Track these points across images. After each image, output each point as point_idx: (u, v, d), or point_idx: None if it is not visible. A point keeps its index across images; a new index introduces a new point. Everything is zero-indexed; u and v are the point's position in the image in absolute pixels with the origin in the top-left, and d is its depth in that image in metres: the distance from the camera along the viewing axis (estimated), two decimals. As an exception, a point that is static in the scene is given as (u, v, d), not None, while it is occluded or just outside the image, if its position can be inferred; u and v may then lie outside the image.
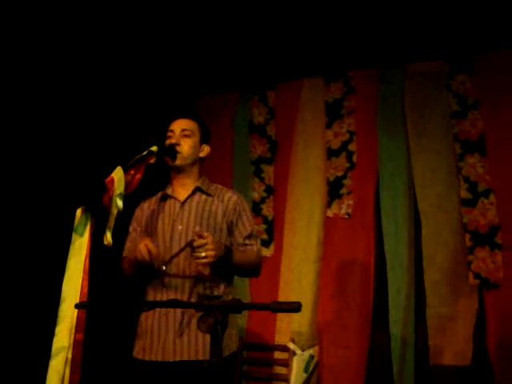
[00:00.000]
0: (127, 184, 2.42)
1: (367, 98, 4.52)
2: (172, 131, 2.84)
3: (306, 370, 4.17)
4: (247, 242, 2.79)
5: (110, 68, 4.21)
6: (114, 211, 2.36)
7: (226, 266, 2.61)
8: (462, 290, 3.97)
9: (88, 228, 2.29)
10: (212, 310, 1.52)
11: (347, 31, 4.23)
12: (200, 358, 2.56)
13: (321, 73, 4.70)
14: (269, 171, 4.69)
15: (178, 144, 2.75)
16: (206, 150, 2.91)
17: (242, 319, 4.28)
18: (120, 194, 2.36)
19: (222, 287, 2.71)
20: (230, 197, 2.84)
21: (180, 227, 2.71)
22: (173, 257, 2.67)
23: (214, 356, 1.56)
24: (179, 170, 2.82)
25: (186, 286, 2.64)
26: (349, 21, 4.14)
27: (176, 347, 2.60)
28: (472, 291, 3.95)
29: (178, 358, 2.59)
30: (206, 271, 2.62)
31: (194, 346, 2.58)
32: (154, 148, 2.59)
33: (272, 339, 4.38)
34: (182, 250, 2.65)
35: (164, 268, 2.64)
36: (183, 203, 2.79)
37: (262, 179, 4.68)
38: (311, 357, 4.20)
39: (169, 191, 2.86)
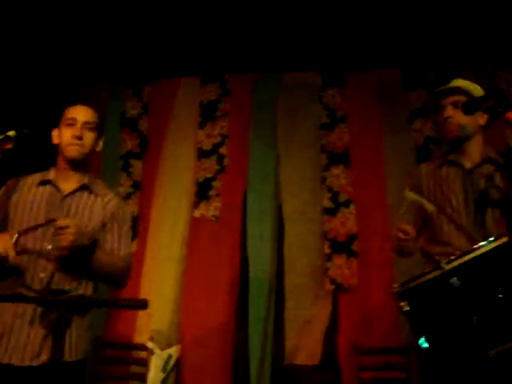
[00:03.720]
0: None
1: (242, 103, 4.59)
2: (73, 120, 2.59)
3: (164, 369, 4.12)
4: (116, 246, 2.65)
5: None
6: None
7: (86, 260, 2.46)
8: (319, 294, 4.14)
9: None
10: (55, 306, 1.44)
11: (226, 34, 4.27)
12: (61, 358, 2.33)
13: (198, 73, 4.70)
14: (137, 166, 4.60)
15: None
16: (100, 144, 2.76)
17: (100, 317, 4.15)
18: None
19: (76, 282, 2.55)
20: (110, 200, 2.70)
21: None
22: (29, 229, 2.46)
23: (57, 355, 1.47)
24: (72, 163, 2.61)
25: (39, 278, 2.45)
26: (228, 25, 4.18)
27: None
28: (327, 295, 4.13)
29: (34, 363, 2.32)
30: (61, 253, 2.42)
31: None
32: (11, 133, 2.40)
33: (132, 338, 4.29)
34: (40, 226, 2.46)
35: (16, 237, 2.39)
36: (65, 197, 2.60)
37: (129, 174, 4.57)
38: (170, 356, 4.16)
39: (51, 177, 2.60)
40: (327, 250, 4.17)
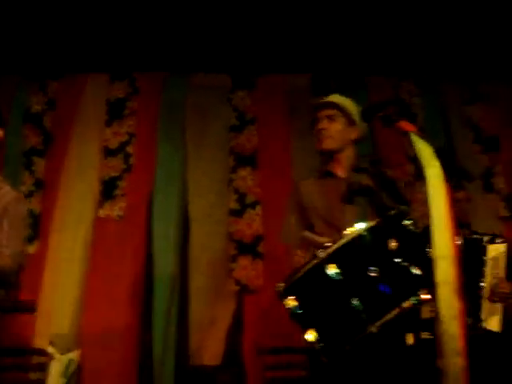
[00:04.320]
0: None
1: (150, 101, 4.53)
2: None
3: (64, 374, 3.99)
4: (4, 242, 2.54)
5: None
6: None
7: None
8: (223, 295, 4.15)
9: None
10: None
11: (135, 32, 4.21)
12: None
13: (107, 70, 4.60)
14: (40, 164, 4.43)
15: None
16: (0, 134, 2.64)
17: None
18: None
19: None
20: (6, 194, 2.58)
21: None
22: None
23: None
24: None
25: None
26: (137, 22, 4.13)
27: None
28: (232, 296, 4.15)
29: None
30: None
31: None
32: None
33: (31, 342, 4.13)
34: None
35: None
36: None
37: (32, 172, 4.40)
38: (70, 361, 4.04)
39: None
40: (233, 252, 4.19)
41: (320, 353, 1.86)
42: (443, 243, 1.76)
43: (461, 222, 3.26)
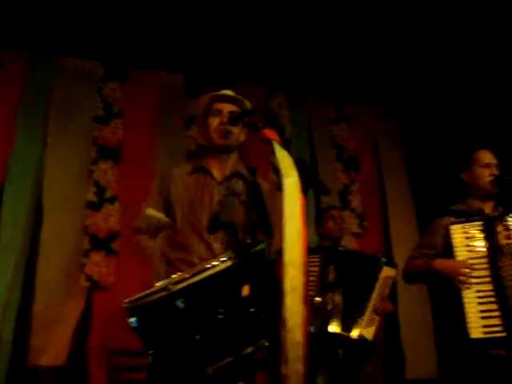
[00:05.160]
0: None
1: (15, 81, 4.20)
2: None
3: None
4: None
5: None
6: None
7: None
8: (73, 291, 3.96)
9: None
10: None
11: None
12: None
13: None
14: None
15: None
16: None
17: None
18: None
19: None
20: None
21: None
22: None
23: None
24: None
25: None
26: None
27: None
28: (82, 293, 3.98)
29: None
30: None
31: None
32: None
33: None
34: None
35: None
36: None
37: None
38: None
39: None
40: (86, 246, 4.02)
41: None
42: (294, 251, 1.79)
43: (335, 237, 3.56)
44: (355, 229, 4.80)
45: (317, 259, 3.19)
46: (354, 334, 3.10)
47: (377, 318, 3.19)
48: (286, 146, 4.95)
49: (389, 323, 4.56)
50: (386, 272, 3.25)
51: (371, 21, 4.22)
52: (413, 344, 4.63)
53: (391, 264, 3.34)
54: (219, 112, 2.34)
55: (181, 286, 1.75)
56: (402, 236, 4.87)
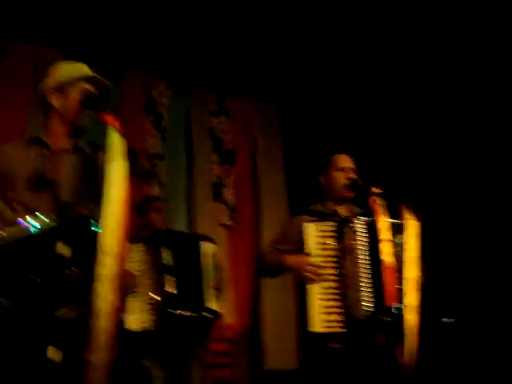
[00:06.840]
0: None
1: None
2: None
3: None
4: None
5: None
6: None
7: None
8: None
9: None
10: None
11: None
12: None
13: None
14: None
15: None
16: None
17: None
18: None
19: None
20: None
21: None
22: None
23: None
24: None
25: None
26: None
27: None
28: None
29: None
30: None
31: None
32: None
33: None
34: None
35: None
36: None
37: None
38: None
39: None
40: None
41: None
42: (111, 241, 1.76)
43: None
44: (226, 220, 4.84)
45: (142, 248, 3.18)
46: (196, 311, 3.20)
47: (220, 293, 3.34)
48: (162, 134, 4.94)
49: (254, 316, 4.67)
50: (207, 248, 3.37)
51: (255, 15, 4.27)
52: (275, 335, 4.74)
53: (209, 240, 3.46)
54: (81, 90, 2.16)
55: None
56: (274, 229, 4.95)
